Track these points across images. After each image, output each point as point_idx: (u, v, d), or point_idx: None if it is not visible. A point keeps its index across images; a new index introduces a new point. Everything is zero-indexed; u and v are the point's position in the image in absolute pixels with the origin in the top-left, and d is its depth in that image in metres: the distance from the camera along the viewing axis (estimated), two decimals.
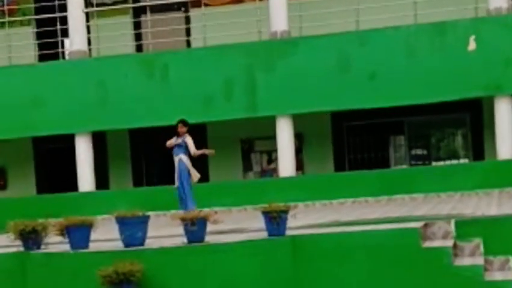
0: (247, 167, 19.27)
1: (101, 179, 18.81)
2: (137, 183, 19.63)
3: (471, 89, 16.44)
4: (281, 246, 9.62)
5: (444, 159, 19.15)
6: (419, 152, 19.31)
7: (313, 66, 16.81)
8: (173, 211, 15.40)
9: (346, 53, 16.80)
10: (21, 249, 10.49)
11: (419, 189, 16.15)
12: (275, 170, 18.12)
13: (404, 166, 18.73)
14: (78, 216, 10.45)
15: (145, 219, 10.14)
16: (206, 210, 11.76)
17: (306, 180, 17.31)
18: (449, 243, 9.64)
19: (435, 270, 9.34)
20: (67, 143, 18.24)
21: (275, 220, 9.71)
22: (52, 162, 20.41)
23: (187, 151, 13.58)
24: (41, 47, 19.72)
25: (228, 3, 19.03)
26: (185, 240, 9.93)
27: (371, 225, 10.32)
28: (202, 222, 9.93)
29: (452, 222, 10.00)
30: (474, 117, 18.45)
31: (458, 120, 18.95)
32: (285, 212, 9.78)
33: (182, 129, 13.63)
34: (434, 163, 18.94)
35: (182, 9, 19.59)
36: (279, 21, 17.12)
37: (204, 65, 17.36)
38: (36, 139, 19.50)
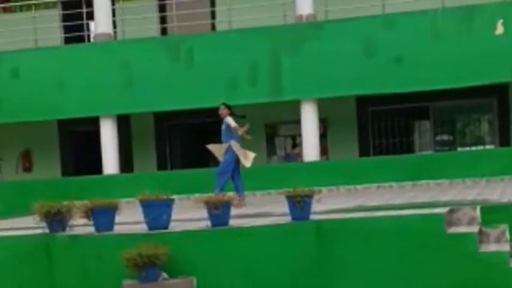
0: (271, 151, 19.25)
1: (126, 162, 18.89)
2: (161, 166, 19.67)
3: (498, 73, 16.23)
4: (305, 231, 9.59)
5: (470, 145, 18.99)
6: (444, 137, 19.16)
7: (338, 50, 16.68)
8: (197, 194, 15.49)
9: (372, 37, 16.65)
10: (47, 231, 10.56)
11: (444, 175, 16.01)
12: (299, 155, 18.07)
13: (429, 152, 18.59)
14: (102, 198, 10.50)
15: (169, 203, 10.15)
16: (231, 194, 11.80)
17: (331, 165, 17.23)
18: (475, 229, 9.56)
19: (460, 257, 9.27)
20: (91, 126, 18.30)
21: (299, 204, 9.68)
22: (77, 144, 20.52)
23: (233, 134, 13.41)
24: (66, 29, 19.76)
25: None
26: (209, 223, 9.95)
27: (396, 210, 10.26)
28: (226, 206, 9.93)
29: (478, 208, 9.91)
30: (501, 102, 18.27)
31: (485, 105, 18.78)
32: (309, 196, 9.75)
33: (224, 111, 13.49)
34: (459, 149, 18.79)
35: None
36: (305, 5, 17.00)
37: (229, 48, 17.29)
38: (61, 122, 19.59)
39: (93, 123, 18.08)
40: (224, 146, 13.49)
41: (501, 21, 16.14)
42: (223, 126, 13.53)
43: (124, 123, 18.90)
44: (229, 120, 13.37)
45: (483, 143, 18.96)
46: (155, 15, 19.51)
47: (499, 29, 16.11)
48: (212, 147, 13.76)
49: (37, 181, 18.95)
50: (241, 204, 12.83)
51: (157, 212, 10.00)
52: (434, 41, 16.41)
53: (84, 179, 17.81)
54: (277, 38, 17.12)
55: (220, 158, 13.57)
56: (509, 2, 16.52)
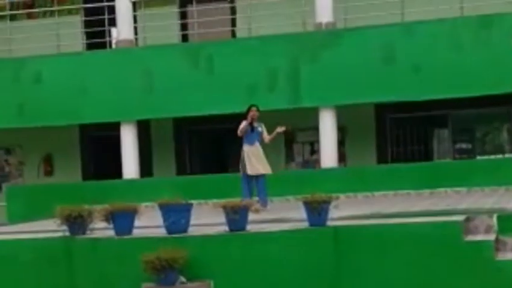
0: (289, 157, 19.34)
1: (145, 167, 19.04)
2: (180, 171, 19.82)
3: None
4: (322, 236, 9.70)
5: (489, 154, 18.97)
6: (463, 145, 19.16)
7: (357, 57, 16.74)
8: (215, 200, 15.60)
9: (391, 45, 16.70)
10: (68, 234, 10.73)
11: (463, 182, 15.98)
12: (317, 161, 18.15)
13: (448, 159, 18.59)
14: (122, 203, 10.65)
15: (188, 207, 10.31)
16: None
17: (349, 172, 17.28)
18: (491, 237, 9.61)
19: (477, 264, 9.34)
20: (112, 131, 18.47)
21: (316, 210, 9.79)
22: (98, 149, 20.72)
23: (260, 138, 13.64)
24: (88, 35, 19.99)
25: None
26: (227, 228, 10.07)
27: (413, 217, 10.33)
28: (243, 211, 10.06)
29: (495, 216, 9.96)
30: None
31: (503, 114, 18.75)
32: (327, 202, 9.85)
33: (258, 113, 13.72)
34: (478, 157, 18.77)
35: None
36: (324, 13, 17.09)
37: (248, 55, 17.41)
38: (82, 126, 19.78)
39: (114, 128, 18.26)
40: (258, 152, 13.56)
41: None
42: (260, 129, 13.70)
43: (144, 129, 19.06)
44: (264, 130, 13.79)
45: (502, 152, 18.92)
46: (176, 22, 19.68)
47: None
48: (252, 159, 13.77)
49: (58, 185, 19.13)
50: (258, 210, 12.93)
51: (176, 216, 10.14)
52: (452, 49, 16.43)
53: (104, 184, 17.94)
54: (296, 45, 17.23)
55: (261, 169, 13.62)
56: None
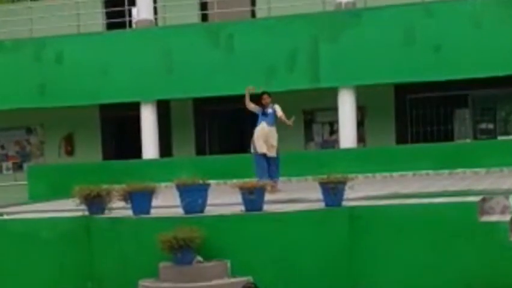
0: (309, 137, 19.34)
1: (165, 147, 19.14)
2: (199, 151, 19.90)
3: None
4: (337, 217, 9.75)
5: (510, 134, 18.82)
6: (483, 126, 19.03)
7: (377, 38, 16.65)
8: (234, 180, 15.67)
9: (411, 25, 16.60)
10: (86, 213, 10.86)
11: (482, 163, 15.89)
12: (336, 141, 18.14)
13: (468, 140, 18.50)
14: (141, 182, 10.74)
15: (205, 187, 10.38)
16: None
17: (367, 152, 17.23)
18: (507, 218, 9.60)
19: (491, 245, 9.34)
20: (132, 111, 18.57)
21: (332, 191, 9.82)
22: (118, 129, 20.84)
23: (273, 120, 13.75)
24: (108, 15, 20.05)
25: None
26: (243, 208, 10.13)
27: (429, 198, 10.33)
28: (260, 191, 10.11)
29: (511, 197, 9.93)
30: None
31: None
32: (342, 183, 9.89)
33: (268, 99, 13.82)
34: (499, 137, 18.65)
35: None
36: None
37: (268, 35, 17.38)
38: (103, 106, 19.89)
39: (134, 109, 18.35)
40: (270, 131, 13.65)
41: None
42: (271, 110, 13.76)
43: (163, 109, 19.14)
44: (279, 108, 13.77)
45: None
46: (196, 1, 19.67)
47: None
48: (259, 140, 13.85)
49: (79, 165, 19.28)
50: (275, 190, 13.02)
51: (193, 196, 10.22)
52: (473, 29, 16.31)
53: (124, 163, 18.04)
54: (316, 25, 17.18)
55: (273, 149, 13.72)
56: None
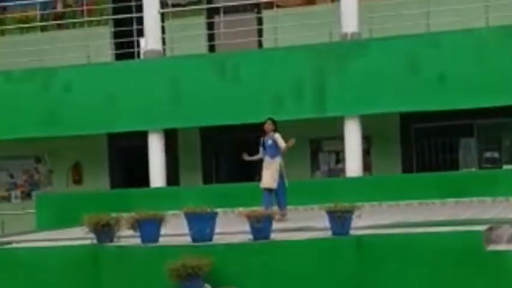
0: (315, 166, 19.46)
1: (172, 176, 19.25)
2: (206, 180, 20.00)
3: None
4: (346, 246, 9.81)
5: None
6: (488, 155, 19.11)
7: (383, 67, 16.82)
8: (241, 208, 15.75)
9: (416, 55, 16.77)
10: (95, 241, 10.94)
11: (487, 192, 15.98)
12: (342, 170, 18.24)
13: (473, 169, 18.58)
14: (149, 211, 10.84)
15: (213, 216, 10.47)
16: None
17: (373, 181, 17.34)
18: None
19: (499, 274, 9.39)
20: (140, 140, 18.71)
21: (340, 219, 9.91)
22: (126, 158, 20.98)
23: (275, 151, 13.82)
24: (117, 46, 20.29)
25: (300, 4, 19.23)
26: (251, 237, 10.21)
27: (436, 227, 10.40)
28: (267, 219, 10.20)
29: None
30: None
31: None
32: (350, 212, 9.97)
33: (270, 126, 13.91)
34: (505, 166, 18.72)
35: (255, 10, 19.87)
36: (350, 23, 17.20)
37: (275, 65, 17.57)
38: (111, 136, 20.04)
39: (141, 138, 18.50)
40: (274, 165, 13.73)
41: None
42: (270, 142, 13.83)
43: (171, 138, 19.28)
44: (278, 138, 13.79)
45: None
46: (203, 32, 19.89)
47: None
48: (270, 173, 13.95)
49: (87, 193, 19.41)
50: (282, 219, 13.12)
51: (201, 225, 10.32)
52: (477, 59, 16.47)
53: (132, 192, 18.16)
54: (322, 55, 17.35)
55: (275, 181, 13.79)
56: None
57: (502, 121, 18.48)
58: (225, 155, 20.55)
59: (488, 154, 19.02)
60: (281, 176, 13.87)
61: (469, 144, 18.99)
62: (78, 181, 21.03)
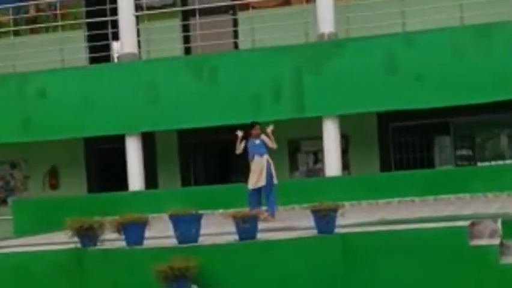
0: (294, 166, 19.52)
1: (150, 179, 19.19)
2: (185, 182, 19.97)
3: None
4: (331, 244, 9.88)
5: (490, 160, 19.14)
6: (464, 152, 19.34)
7: (360, 67, 16.94)
8: (221, 210, 15.79)
9: (392, 54, 16.90)
10: (79, 245, 10.89)
11: (465, 189, 16.16)
12: (321, 170, 18.32)
13: (450, 166, 18.78)
14: (129, 214, 10.78)
15: (198, 217, 10.51)
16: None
17: (352, 180, 17.44)
18: (496, 241, 9.79)
19: (482, 268, 9.53)
20: (117, 144, 18.64)
21: (324, 218, 9.96)
22: (103, 162, 20.87)
23: (263, 150, 13.89)
24: (92, 49, 20.17)
25: (275, 5, 19.27)
26: (237, 237, 10.23)
27: (419, 223, 10.50)
28: (253, 220, 10.22)
29: (499, 221, 10.14)
30: None
31: (504, 120, 18.93)
32: (335, 210, 10.03)
33: (257, 131, 14.01)
34: (479, 163, 18.95)
35: (230, 12, 19.90)
36: (326, 23, 17.28)
37: (252, 66, 17.59)
38: (87, 139, 19.92)
39: (118, 141, 18.42)
40: (262, 162, 13.77)
41: None
42: (258, 142, 13.89)
43: (148, 141, 19.23)
44: (267, 140, 13.92)
45: (503, 158, 19.10)
46: (179, 34, 19.87)
47: None
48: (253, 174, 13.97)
49: (64, 198, 19.24)
50: (269, 219, 13.15)
51: (186, 227, 10.32)
52: (453, 57, 16.65)
53: (110, 196, 18.05)
54: (299, 56, 17.42)
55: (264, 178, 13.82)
56: None
57: (478, 119, 18.70)
58: (203, 156, 20.53)
59: (461, 152, 19.24)
60: (270, 175, 13.85)
61: (445, 142, 19.19)
62: (54, 186, 20.89)
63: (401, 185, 16.43)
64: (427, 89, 16.68)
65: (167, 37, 19.33)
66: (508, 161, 18.84)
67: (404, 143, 18.95)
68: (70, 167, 20.71)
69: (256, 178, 13.78)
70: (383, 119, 18.61)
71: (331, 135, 17.11)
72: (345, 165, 18.27)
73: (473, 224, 10.16)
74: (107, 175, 20.55)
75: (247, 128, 14.20)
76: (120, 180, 18.72)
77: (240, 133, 14.06)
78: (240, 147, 14.03)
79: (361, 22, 17.54)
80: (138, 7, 19.16)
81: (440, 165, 19.08)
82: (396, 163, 18.89)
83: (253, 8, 19.07)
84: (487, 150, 19.37)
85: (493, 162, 18.93)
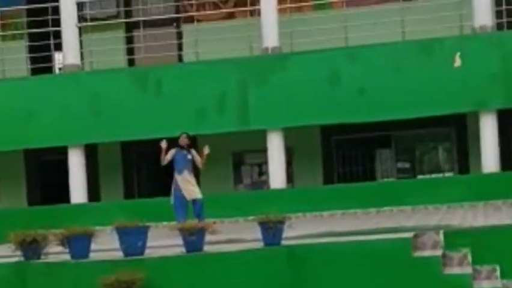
0: (237, 179, 19.57)
1: (93, 191, 19.00)
2: (128, 195, 19.83)
3: (456, 104, 16.86)
4: (278, 256, 9.92)
5: (428, 173, 19.52)
6: (405, 165, 19.68)
7: (303, 81, 17.16)
8: (164, 222, 15.71)
9: (335, 69, 17.19)
10: (22, 259, 10.71)
11: (406, 201, 16.47)
12: (266, 183, 18.42)
13: (391, 179, 19.08)
14: (72, 227, 10.65)
15: (145, 230, 10.43)
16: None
17: (297, 193, 17.60)
18: (439, 252, 10.00)
19: (426, 279, 9.69)
20: (59, 155, 18.42)
21: (271, 230, 10.02)
22: (44, 174, 20.58)
23: (191, 166, 13.53)
24: (33, 60, 19.91)
25: (220, 19, 19.38)
26: (184, 250, 10.21)
27: (364, 235, 10.65)
28: (200, 232, 10.22)
29: (441, 232, 10.36)
30: (459, 131, 18.84)
31: (444, 134, 19.36)
32: (281, 222, 10.10)
33: (185, 140, 13.50)
34: (419, 176, 19.29)
35: (175, 24, 19.90)
36: (271, 38, 17.47)
37: (196, 79, 17.66)
38: (28, 151, 19.63)
39: (61, 153, 18.21)
40: (191, 179, 13.61)
41: (459, 54, 16.77)
42: (190, 157, 13.59)
43: (91, 153, 19.05)
44: (196, 156, 13.58)
45: (441, 171, 19.50)
46: (123, 46, 19.76)
47: (457, 62, 16.75)
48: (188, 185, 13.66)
49: (4, 210, 18.93)
50: (214, 232, 13.03)
51: (133, 239, 10.25)
52: (395, 72, 17.01)
53: (51, 208, 17.89)
54: (244, 69, 17.56)
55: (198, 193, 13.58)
56: (467, 36, 17.20)
57: (418, 132, 19.07)
58: (146, 168, 20.42)
59: (402, 165, 19.58)
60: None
61: (386, 155, 19.50)
62: None
63: (344, 197, 16.65)
64: (369, 103, 16.98)
65: (110, 49, 19.23)
66: (446, 174, 19.23)
67: (347, 155, 19.21)
68: (9, 179, 20.33)
69: (192, 190, 13.51)
70: (326, 132, 18.85)
71: (275, 147, 17.26)
72: (290, 178, 18.40)
73: (416, 236, 10.35)
74: (49, 188, 20.25)
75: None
76: (61, 193, 18.48)
77: (164, 144, 13.49)
78: (165, 159, 13.54)
79: (305, 36, 17.73)
80: (81, 18, 19.01)
81: (381, 177, 19.38)
82: (339, 176, 19.12)
83: (198, 20, 19.14)
84: (426, 163, 19.75)
85: (432, 175, 19.30)
